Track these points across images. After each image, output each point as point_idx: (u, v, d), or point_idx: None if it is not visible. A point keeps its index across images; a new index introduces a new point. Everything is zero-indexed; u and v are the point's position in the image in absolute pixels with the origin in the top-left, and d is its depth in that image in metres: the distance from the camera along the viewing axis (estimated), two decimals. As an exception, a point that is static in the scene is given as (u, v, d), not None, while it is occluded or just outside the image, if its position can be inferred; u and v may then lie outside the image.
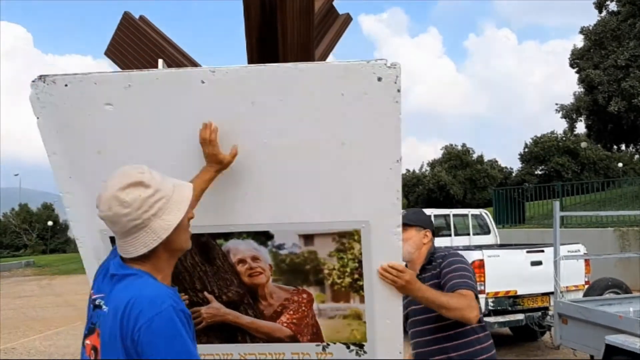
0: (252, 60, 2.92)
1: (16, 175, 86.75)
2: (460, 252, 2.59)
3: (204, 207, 1.93)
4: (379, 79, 1.85)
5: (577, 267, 7.63)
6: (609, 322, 5.30)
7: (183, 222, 1.65)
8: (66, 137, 2.07)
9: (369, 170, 1.98)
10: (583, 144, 43.76)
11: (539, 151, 54.11)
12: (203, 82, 1.95)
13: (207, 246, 2.16)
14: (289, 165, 2.01)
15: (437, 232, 9.53)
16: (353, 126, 1.93)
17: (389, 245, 2.09)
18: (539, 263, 6.98)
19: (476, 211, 10.28)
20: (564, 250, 7.58)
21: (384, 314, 2.16)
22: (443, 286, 2.47)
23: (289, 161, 2.00)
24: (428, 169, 64.73)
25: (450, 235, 9.58)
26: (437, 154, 69.42)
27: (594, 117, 27.76)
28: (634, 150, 36.62)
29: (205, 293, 2.19)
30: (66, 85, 2.00)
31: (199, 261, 2.18)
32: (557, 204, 6.20)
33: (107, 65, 4.40)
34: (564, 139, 52.49)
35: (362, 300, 2.14)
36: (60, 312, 13.39)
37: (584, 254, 7.60)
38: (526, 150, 56.55)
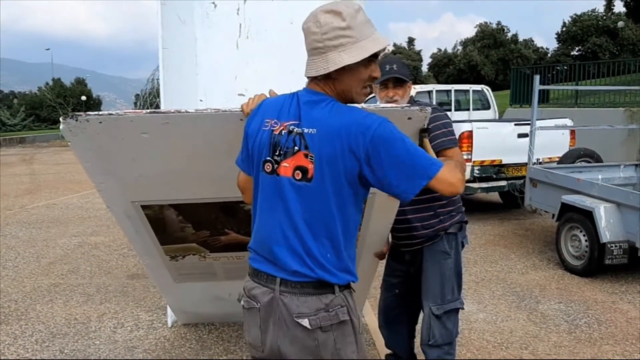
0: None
1: (47, 49, 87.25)
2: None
3: (230, 179, 2.11)
4: (409, 118, 2.07)
5: (563, 139, 8.12)
6: (569, 184, 5.91)
7: (357, 70, 1.73)
8: (99, 152, 2.26)
9: None
10: (620, 24, 41.72)
11: (577, 31, 52.02)
12: (242, 119, 2.04)
13: (231, 207, 2.76)
14: None
15: (435, 107, 10.02)
16: None
17: (387, 209, 2.64)
18: (525, 135, 7.42)
19: (477, 87, 10.56)
20: (551, 123, 8.09)
21: (363, 270, 2.74)
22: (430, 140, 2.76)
23: None
24: (460, 48, 63.14)
25: (450, 110, 10.00)
26: (471, 32, 66.88)
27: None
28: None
29: (226, 230, 2.94)
30: (100, 123, 2.09)
31: (222, 215, 2.83)
32: (537, 77, 6.58)
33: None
34: (604, 18, 50.15)
35: None
36: (94, 176, 14.58)
37: (564, 125, 8.05)
38: (564, 29, 54.40)
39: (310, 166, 1.70)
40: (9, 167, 17.60)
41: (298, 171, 1.72)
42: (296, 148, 1.72)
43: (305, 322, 1.74)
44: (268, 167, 1.78)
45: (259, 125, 1.83)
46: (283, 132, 1.75)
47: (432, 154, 2.07)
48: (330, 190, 1.71)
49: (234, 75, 4.74)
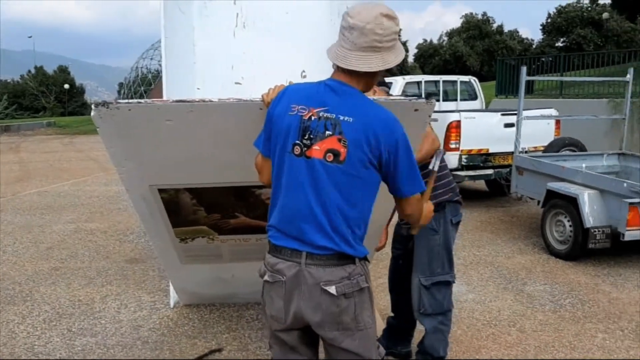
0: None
1: (30, 37, 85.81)
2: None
3: (247, 165, 2.24)
4: (416, 110, 2.28)
5: (548, 129, 8.34)
6: (554, 172, 6.14)
7: (380, 71, 1.96)
8: (125, 138, 2.41)
9: None
10: (604, 15, 42.13)
11: (562, 22, 52.44)
12: (261, 108, 2.18)
13: (243, 191, 2.93)
14: None
15: (426, 97, 10.20)
16: None
17: (385, 202, 2.81)
18: (511, 125, 7.61)
19: (465, 78, 10.78)
20: (536, 113, 8.30)
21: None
22: None
23: None
24: (446, 39, 63.36)
25: (439, 100, 10.19)
26: (457, 23, 67.15)
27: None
28: (658, 22, 35.56)
29: (236, 213, 3.12)
30: (129, 110, 2.23)
31: (234, 199, 3.00)
32: (524, 68, 6.78)
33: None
34: (589, 9, 50.61)
35: None
36: (83, 164, 14.60)
37: (549, 115, 8.28)
38: (549, 20, 54.79)
39: (342, 150, 1.88)
40: (-4, 155, 17.53)
41: (330, 154, 1.89)
42: (328, 132, 1.89)
43: (332, 289, 1.92)
44: (297, 150, 1.92)
45: (284, 110, 1.96)
46: (313, 117, 1.91)
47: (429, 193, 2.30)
48: (358, 174, 1.91)
49: (230, 64, 4.86)
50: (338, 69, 1.97)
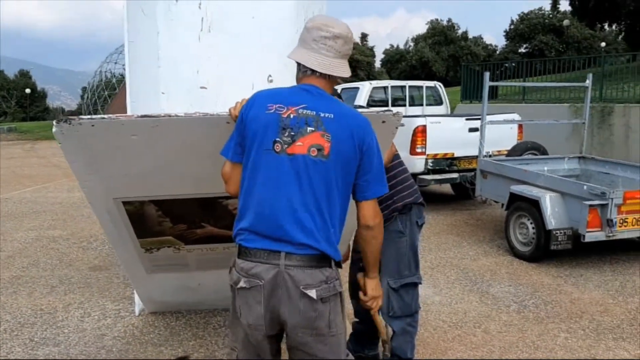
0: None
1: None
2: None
3: (213, 177, 2.21)
4: (383, 122, 2.40)
5: (511, 133, 8.51)
6: (517, 175, 6.26)
7: None
8: (88, 152, 2.36)
9: None
10: (565, 22, 43.24)
11: (524, 29, 53.59)
12: (228, 122, 2.19)
13: (210, 202, 2.90)
14: None
15: (393, 102, 10.31)
16: None
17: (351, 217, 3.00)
18: (476, 130, 7.72)
19: (431, 83, 10.92)
20: (500, 118, 8.46)
21: None
22: None
23: None
24: (412, 44, 64.13)
25: (405, 105, 10.30)
26: (423, 28, 68.06)
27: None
28: (617, 29, 36.59)
29: (202, 223, 3.10)
30: (93, 126, 2.17)
31: (200, 210, 2.98)
32: (487, 74, 6.90)
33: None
34: (550, 16, 51.85)
35: None
36: (46, 170, 14.28)
37: (512, 120, 8.45)
38: (512, 27, 55.93)
39: (326, 145, 1.93)
40: (-46, 162, 17.01)
41: (314, 148, 1.92)
42: (310, 129, 1.93)
43: (312, 293, 1.91)
44: (278, 147, 1.93)
45: (260, 110, 1.98)
46: (292, 115, 1.94)
47: None
48: (340, 169, 1.95)
49: (195, 68, 4.82)
50: (311, 75, 2.03)
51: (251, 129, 1.97)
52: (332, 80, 2.06)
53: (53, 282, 5.17)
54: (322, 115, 1.94)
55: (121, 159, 2.43)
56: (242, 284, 1.94)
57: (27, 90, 54.05)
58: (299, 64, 2.07)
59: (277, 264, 1.91)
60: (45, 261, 5.90)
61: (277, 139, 1.93)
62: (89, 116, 2.18)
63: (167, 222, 3.03)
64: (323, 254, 1.93)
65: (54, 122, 2.13)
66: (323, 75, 2.02)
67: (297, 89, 2.04)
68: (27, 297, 4.79)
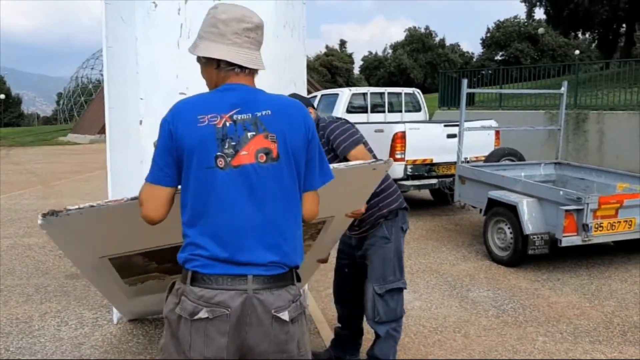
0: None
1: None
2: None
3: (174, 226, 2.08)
4: (374, 169, 2.59)
5: (488, 140, 8.61)
6: (495, 181, 6.33)
7: None
8: (76, 236, 2.39)
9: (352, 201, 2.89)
10: (540, 30, 43.97)
11: (500, 36, 54.39)
12: None
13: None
14: None
15: (372, 108, 10.37)
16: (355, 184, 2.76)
17: (338, 229, 3.11)
18: (454, 136, 7.80)
19: (409, 90, 11.01)
20: (477, 124, 8.55)
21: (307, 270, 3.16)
22: (336, 150, 3.07)
23: None
24: (390, 51, 64.68)
25: (384, 111, 10.37)
26: (401, 36, 68.68)
27: (551, 1, 28.05)
28: (590, 37, 37.32)
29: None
30: (81, 214, 2.13)
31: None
32: (464, 81, 6.98)
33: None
34: (525, 24, 52.73)
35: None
36: (21, 177, 14.03)
37: (489, 126, 8.55)
38: (488, 35, 56.73)
39: (273, 146, 1.76)
40: None
41: (261, 154, 1.75)
42: (250, 133, 1.75)
43: (285, 315, 1.77)
44: (221, 162, 1.74)
45: (190, 123, 1.76)
46: (227, 123, 1.75)
47: None
48: (293, 167, 1.81)
49: (175, 74, 4.80)
50: (240, 73, 1.85)
51: (185, 147, 1.75)
52: (255, 74, 1.90)
53: (29, 291, 5.08)
54: (259, 115, 1.77)
55: (108, 229, 2.42)
56: (202, 314, 1.73)
57: (2, 96, 53.15)
58: (218, 62, 1.83)
59: (244, 289, 1.73)
60: (20, 269, 5.80)
61: (219, 153, 1.73)
62: (76, 206, 2.13)
63: (152, 264, 3.01)
64: (290, 269, 1.82)
65: (40, 216, 2.06)
66: (252, 72, 1.86)
67: (224, 92, 1.82)
68: (2, 306, 4.70)
